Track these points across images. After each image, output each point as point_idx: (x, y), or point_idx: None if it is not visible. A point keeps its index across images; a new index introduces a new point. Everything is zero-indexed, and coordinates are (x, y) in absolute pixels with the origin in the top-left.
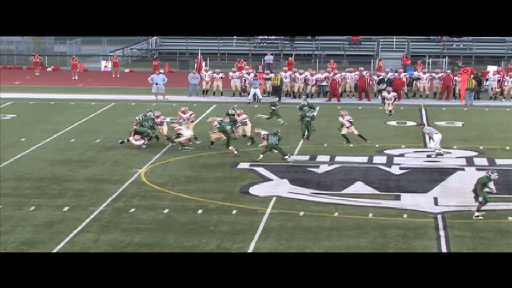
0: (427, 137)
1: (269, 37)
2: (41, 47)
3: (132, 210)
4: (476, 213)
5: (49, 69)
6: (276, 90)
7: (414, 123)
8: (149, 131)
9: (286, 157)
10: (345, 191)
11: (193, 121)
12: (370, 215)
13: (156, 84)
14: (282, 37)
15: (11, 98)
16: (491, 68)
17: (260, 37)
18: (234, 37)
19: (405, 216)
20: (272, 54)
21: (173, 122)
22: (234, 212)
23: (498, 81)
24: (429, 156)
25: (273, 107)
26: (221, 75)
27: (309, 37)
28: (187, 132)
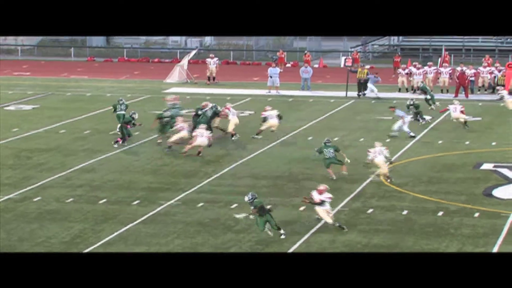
0: (400, 121)
1: None
2: (281, 43)
3: (370, 210)
4: None
5: (288, 65)
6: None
7: None
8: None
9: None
10: None
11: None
12: None
13: (271, 77)
14: None
15: (249, 95)
16: None
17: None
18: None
19: None
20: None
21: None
22: (476, 214)
23: None
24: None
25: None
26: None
27: None
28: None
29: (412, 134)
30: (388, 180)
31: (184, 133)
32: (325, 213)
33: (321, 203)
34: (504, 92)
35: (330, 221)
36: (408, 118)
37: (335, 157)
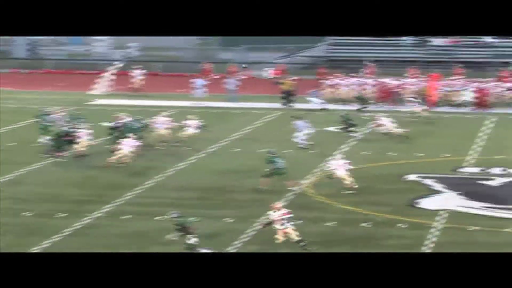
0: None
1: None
2: (207, 54)
3: (298, 222)
4: None
5: (214, 76)
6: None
7: None
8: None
9: None
10: None
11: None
12: None
13: (197, 88)
14: (455, 44)
15: (174, 106)
16: None
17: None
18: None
19: None
20: None
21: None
22: (403, 225)
23: None
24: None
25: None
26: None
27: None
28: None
29: (302, 146)
30: (351, 191)
31: (84, 140)
32: (281, 234)
33: (279, 222)
34: (417, 105)
35: (295, 238)
36: (306, 130)
37: (284, 169)
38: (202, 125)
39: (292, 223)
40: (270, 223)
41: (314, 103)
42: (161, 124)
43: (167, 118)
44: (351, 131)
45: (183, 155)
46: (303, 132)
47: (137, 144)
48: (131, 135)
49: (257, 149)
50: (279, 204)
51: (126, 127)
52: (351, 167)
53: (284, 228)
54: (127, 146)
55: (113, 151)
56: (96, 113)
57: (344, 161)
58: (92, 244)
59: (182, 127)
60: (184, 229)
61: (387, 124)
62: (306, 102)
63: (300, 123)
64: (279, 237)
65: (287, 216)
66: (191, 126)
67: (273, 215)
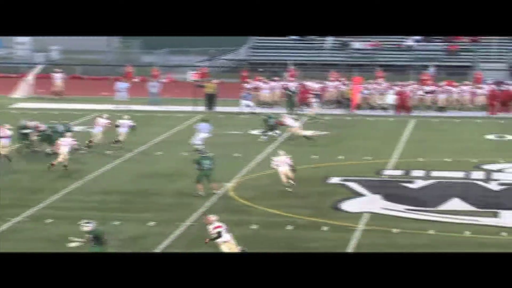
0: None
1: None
2: (128, 57)
3: None
4: None
5: (136, 79)
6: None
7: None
8: None
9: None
10: (441, 207)
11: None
12: (467, 233)
13: (119, 92)
14: (376, 47)
15: (96, 110)
16: None
17: (353, 47)
18: (327, 47)
19: (503, 234)
20: None
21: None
22: (325, 228)
23: None
24: None
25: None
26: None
27: (404, 47)
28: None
29: (198, 148)
30: (290, 189)
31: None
32: (225, 246)
33: (219, 235)
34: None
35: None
36: (206, 133)
37: (211, 170)
38: (133, 125)
39: (229, 234)
40: (217, 237)
41: (247, 106)
42: (100, 127)
43: (107, 121)
44: (272, 135)
45: (107, 158)
46: (202, 135)
47: (74, 143)
48: (68, 134)
49: (181, 152)
50: (212, 217)
51: (45, 134)
52: (292, 163)
53: (224, 241)
54: (66, 146)
55: (53, 153)
56: (17, 116)
57: (286, 157)
58: (15, 248)
59: (117, 126)
60: (97, 239)
61: (292, 124)
62: (238, 105)
63: (203, 125)
64: (224, 249)
65: (220, 229)
66: (124, 126)
67: (209, 228)
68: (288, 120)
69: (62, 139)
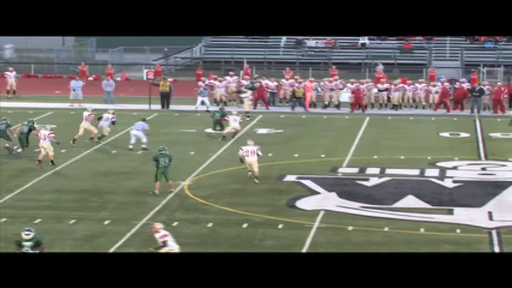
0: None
1: (317, 45)
2: (82, 56)
3: (175, 223)
4: None
5: (90, 78)
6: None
7: (468, 135)
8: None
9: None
10: (395, 205)
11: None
12: (422, 230)
13: (74, 90)
14: (331, 46)
15: (51, 108)
16: None
17: (308, 45)
18: (282, 45)
19: (458, 231)
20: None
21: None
22: (280, 226)
23: None
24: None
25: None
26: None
27: (359, 45)
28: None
29: (144, 146)
30: (256, 181)
31: None
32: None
33: (164, 245)
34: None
35: None
36: (140, 132)
37: (167, 168)
38: (114, 121)
39: (175, 243)
40: (162, 246)
41: (204, 104)
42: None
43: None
44: (219, 130)
45: (60, 157)
46: (137, 133)
47: (51, 136)
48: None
49: (136, 150)
50: (158, 225)
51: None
52: (261, 153)
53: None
54: (45, 141)
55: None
56: None
57: (255, 147)
58: None
59: (99, 119)
60: (37, 246)
61: (232, 123)
62: (192, 103)
63: (139, 124)
64: None
65: (166, 238)
66: (107, 120)
67: (156, 236)
68: (230, 118)
69: (41, 133)
